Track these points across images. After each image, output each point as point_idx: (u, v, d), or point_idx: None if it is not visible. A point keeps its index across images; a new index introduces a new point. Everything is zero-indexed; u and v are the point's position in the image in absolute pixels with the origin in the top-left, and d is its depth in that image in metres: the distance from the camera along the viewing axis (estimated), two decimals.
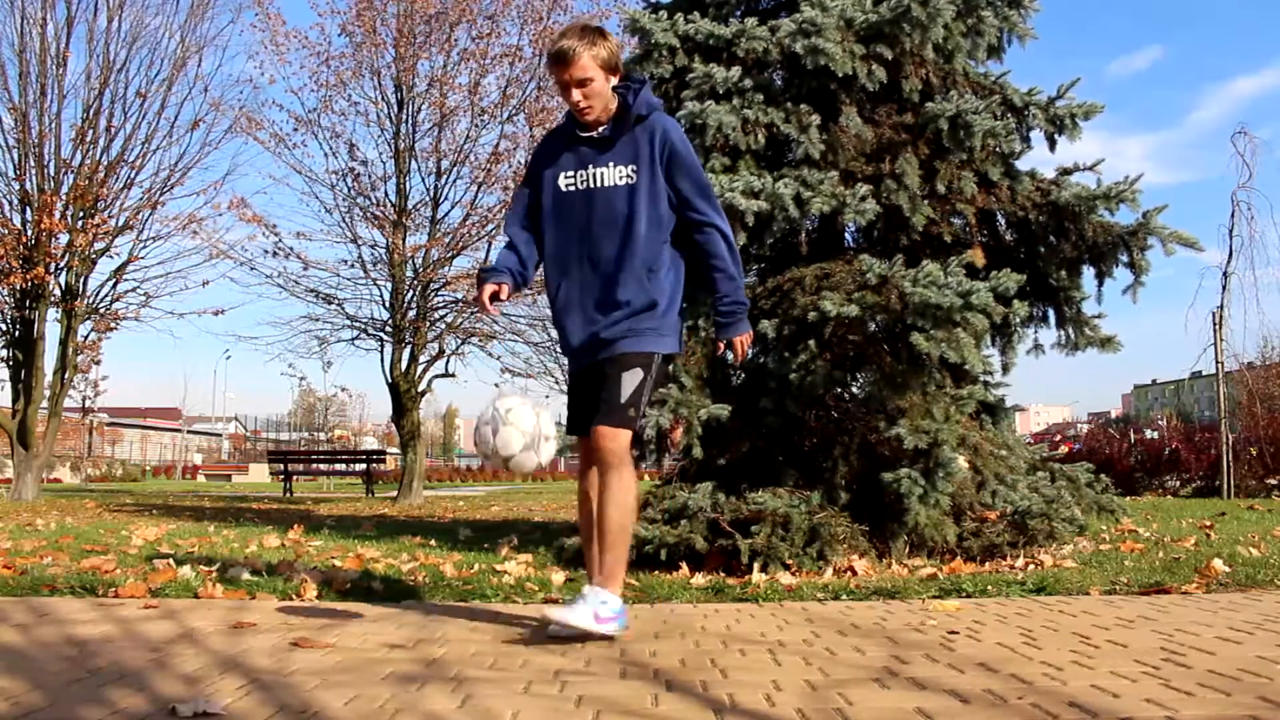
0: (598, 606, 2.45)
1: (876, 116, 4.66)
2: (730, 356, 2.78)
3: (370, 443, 44.46)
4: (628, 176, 2.60)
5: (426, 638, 2.54)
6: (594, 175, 2.63)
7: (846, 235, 4.83)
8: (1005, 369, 4.88)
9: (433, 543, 5.14)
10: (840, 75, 4.31)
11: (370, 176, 12.51)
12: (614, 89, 2.63)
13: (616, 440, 2.55)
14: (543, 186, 2.70)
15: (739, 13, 4.99)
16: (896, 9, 4.26)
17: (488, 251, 12.49)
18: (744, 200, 4.08)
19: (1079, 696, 1.84)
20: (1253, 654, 2.21)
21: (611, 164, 2.61)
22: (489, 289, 2.66)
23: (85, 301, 12.08)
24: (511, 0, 12.04)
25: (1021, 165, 4.85)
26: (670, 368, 4.36)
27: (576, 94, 2.57)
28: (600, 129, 2.64)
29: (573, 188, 2.65)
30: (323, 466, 21.87)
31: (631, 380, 2.57)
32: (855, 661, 2.22)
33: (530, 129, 12.07)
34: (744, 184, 4.13)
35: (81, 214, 11.76)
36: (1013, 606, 3.03)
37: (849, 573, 3.69)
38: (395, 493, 13.47)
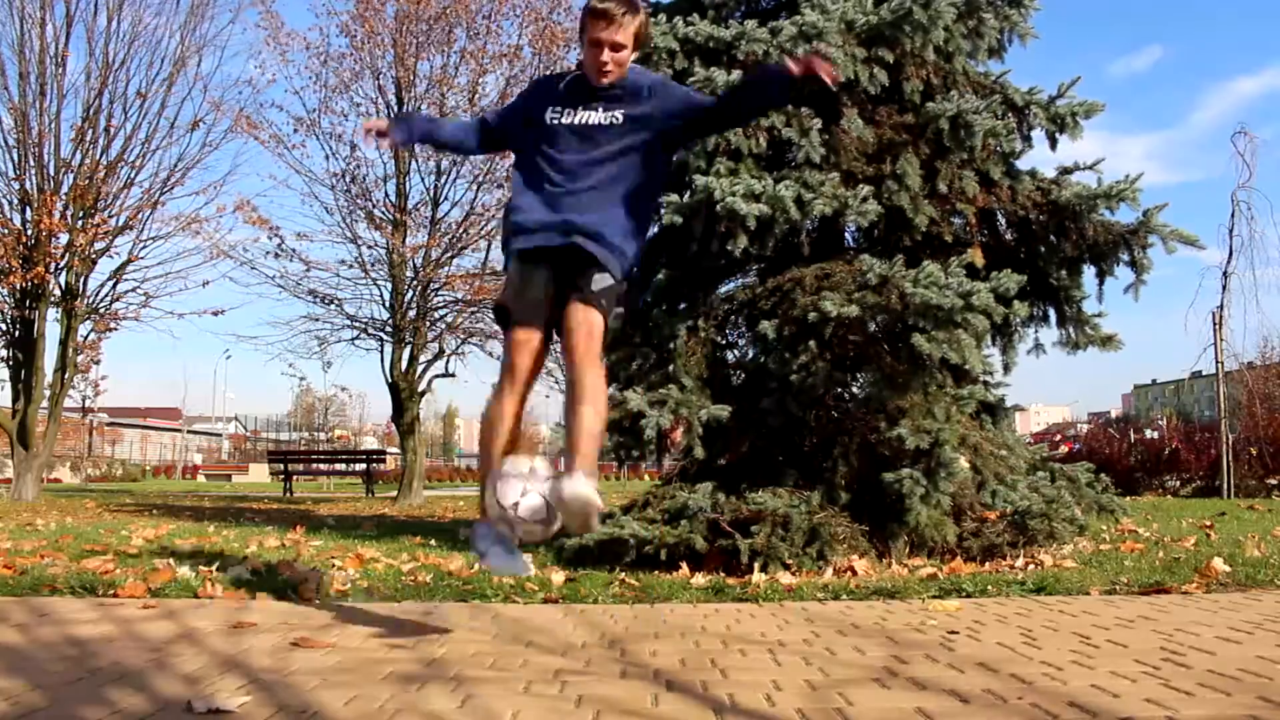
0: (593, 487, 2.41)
1: (877, 117, 4.66)
2: (825, 72, 2.64)
3: (370, 443, 44.47)
4: (613, 119, 2.66)
5: (426, 638, 2.54)
6: (582, 116, 2.68)
7: (847, 235, 4.83)
8: (1006, 369, 4.88)
9: (433, 542, 5.14)
10: (842, 80, 4.31)
11: (370, 177, 12.51)
12: None
13: (598, 324, 2.54)
14: (525, 114, 2.76)
15: (739, 15, 4.99)
16: (897, 11, 4.25)
17: (488, 251, 12.49)
18: (745, 204, 4.07)
19: (1079, 696, 1.84)
20: (1253, 654, 2.21)
21: (601, 109, 2.67)
22: (378, 124, 2.84)
23: (85, 301, 12.08)
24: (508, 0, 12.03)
25: (1022, 165, 4.86)
26: (662, 360, 4.38)
27: (607, 55, 2.60)
28: (608, 86, 2.68)
29: (556, 121, 2.68)
30: (323, 466, 21.88)
31: (602, 281, 2.57)
32: (855, 661, 2.22)
33: None
34: (745, 186, 4.13)
35: (81, 214, 11.75)
36: (1013, 606, 3.03)
37: (849, 573, 3.69)
38: (395, 493, 13.47)
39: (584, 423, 2.49)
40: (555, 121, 2.68)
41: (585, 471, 2.40)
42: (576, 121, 2.67)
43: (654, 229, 5.06)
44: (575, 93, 2.70)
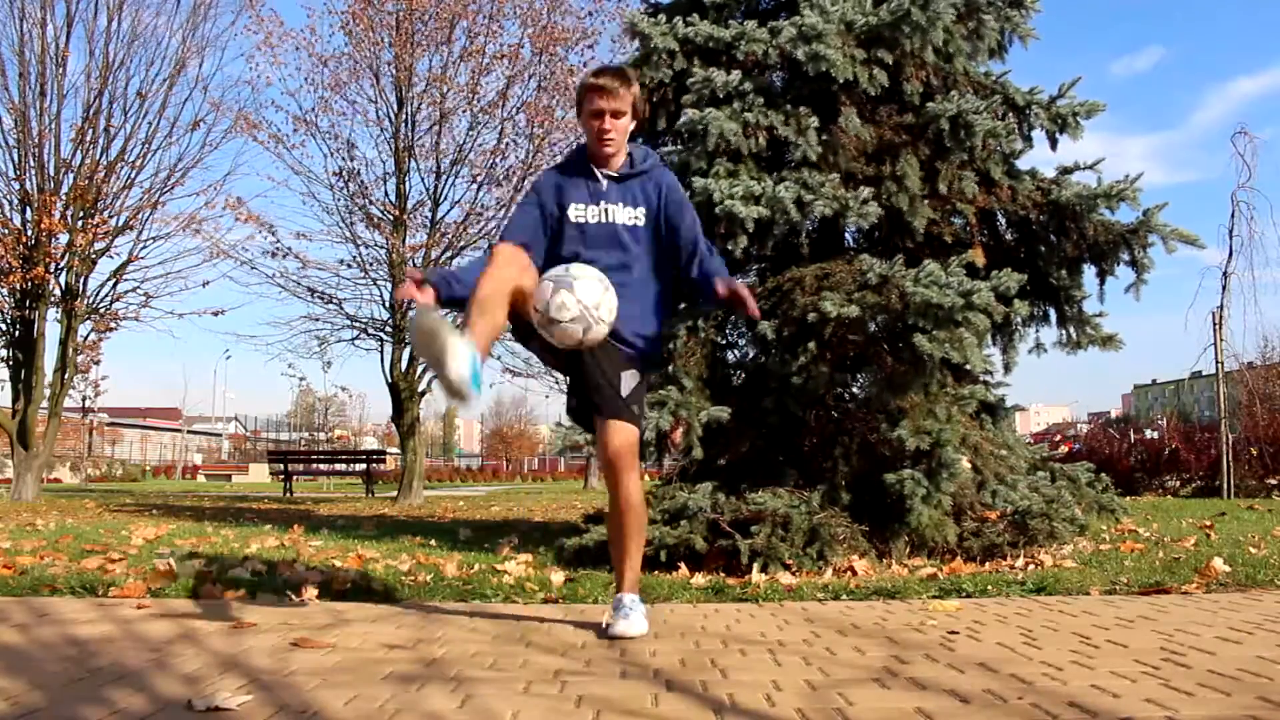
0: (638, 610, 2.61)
1: (877, 117, 4.67)
2: (748, 309, 2.58)
3: (370, 443, 44.48)
4: (636, 218, 2.70)
5: (426, 638, 2.54)
6: (606, 210, 2.70)
7: (847, 235, 4.83)
8: (1007, 368, 4.88)
9: (433, 543, 5.14)
10: (841, 81, 4.31)
11: (370, 176, 12.51)
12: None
13: (627, 436, 2.60)
14: (547, 211, 2.72)
15: (739, 15, 4.99)
16: (896, 12, 4.25)
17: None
18: (744, 207, 4.07)
19: (1079, 696, 1.84)
20: (1253, 654, 2.21)
21: (621, 204, 2.71)
22: (414, 291, 2.54)
23: (85, 301, 12.08)
24: None
25: (1022, 165, 4.86)
26: (664, 365, 4.38)
27: (609, 123, 2.66)
28: (617, 167, 2.73)
29: (583, 219, 2.69)
30: (323, 466, 21.86)
31: (630, 381, 2.62)
32: (855, 661, 2.22)
33: (530, 128, 12.07)
34: (744, 188, 4.13)
35: (81, 214, 11.75)
36: (1013, 606, 3.03)
37: (849, 573, 3.69)
38: (395, 493, 13.47)
39: (628, 541, 2.69)
40: (581, 219, 2.69)
41: (630, 593, 2.66)
42: (605, 220, 2.69)
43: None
44: (590, 181, 2.72)
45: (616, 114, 2.66)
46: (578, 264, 2.57)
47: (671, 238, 2.72)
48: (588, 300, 2.47)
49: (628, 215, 2.70)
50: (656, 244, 2.72)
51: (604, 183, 2.72)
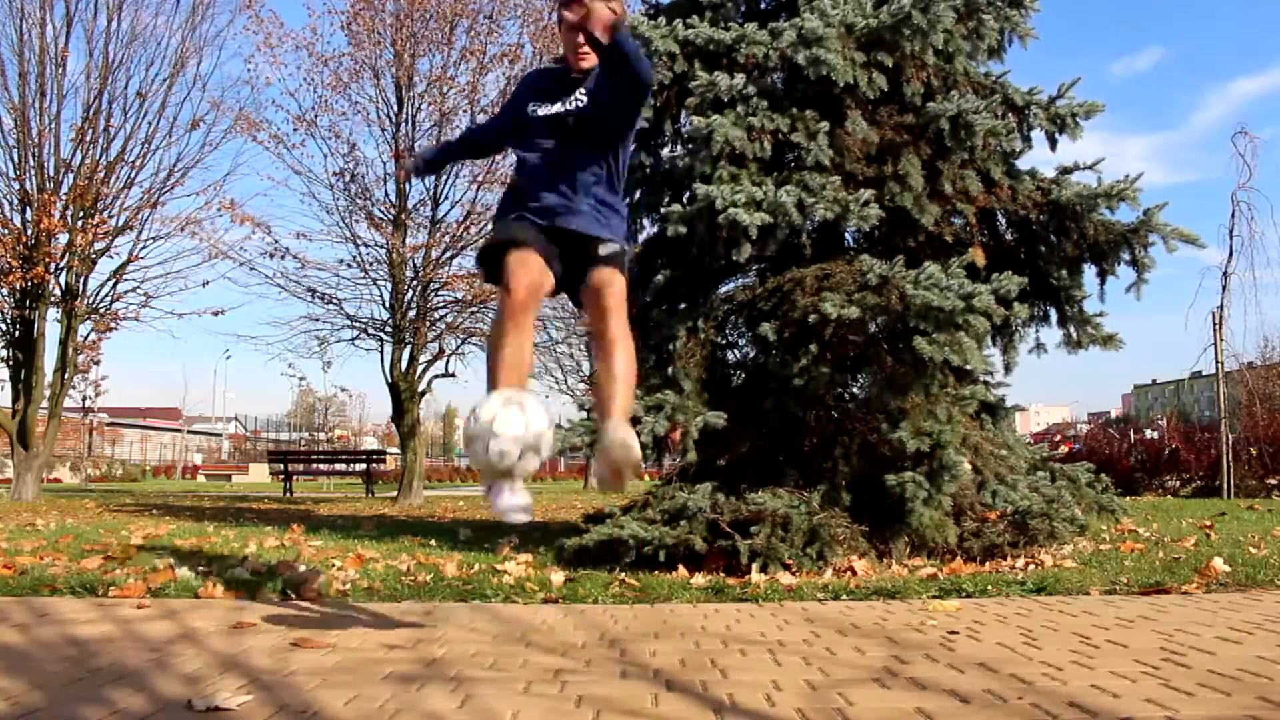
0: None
1: (878, 118, 4.66)
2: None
3: (370, 443, 44.47)
4: (579, 101, 2.75)
5: (426, 638, 2.54)
6: (565, 104, 2.76)
7: (847, 236, 4.83)
8: (1007, 368, 4.88)
9: (433, 543, 5.14)
10: (842, 84, 4.31)
11: (370, 176, 12.51)
12: None
13: (621, 283, 2.63)
14: (520, 110, 2.82)
15: (739, 17, 4.99)
16: (897, 15, 4.25)
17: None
18: (746, 214, 4.07)
19: (1079, 696, 1.84)
20: (1253, 654, 2.21)
21: (580, 91, 2.76)
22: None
23: (85, 301, 12.07)
24: None
25: (1022, 165, 4.86)
26: (663, 365, 4.37)
27: (583, 38, 2.68)
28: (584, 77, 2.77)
29: (537, 114, 2.76)
30: (323, 466, 21.86)
31: (608, 248, 2.65)
32: (855, 661, 2.22)
33: None
34: (746, 194, 4.12)
35: (81, 214, 11.75)
36: (1013, 606, 3.03)
37: (849, 573, 3.69)
38: (395, 493, 13.47)
39: (619, 372, 2.56)
40: (536, 114, 2.77)
41: (624, 419, 2.50)
42: (554, 112, 2.76)
43: (653, 229, 5.07)
44: (557, 86, 2.79)
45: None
46: (483, 406, 2.39)
47: (602, 80, 2.75)
48: (518, 432, 2.33)
49: (578, 100, 2.74)
50: (601, 106, 2.73)
51: (571, 87, 2.76)
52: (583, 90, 2.76)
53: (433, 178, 12.54)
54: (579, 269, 2.66)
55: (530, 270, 2.53)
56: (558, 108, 2.79)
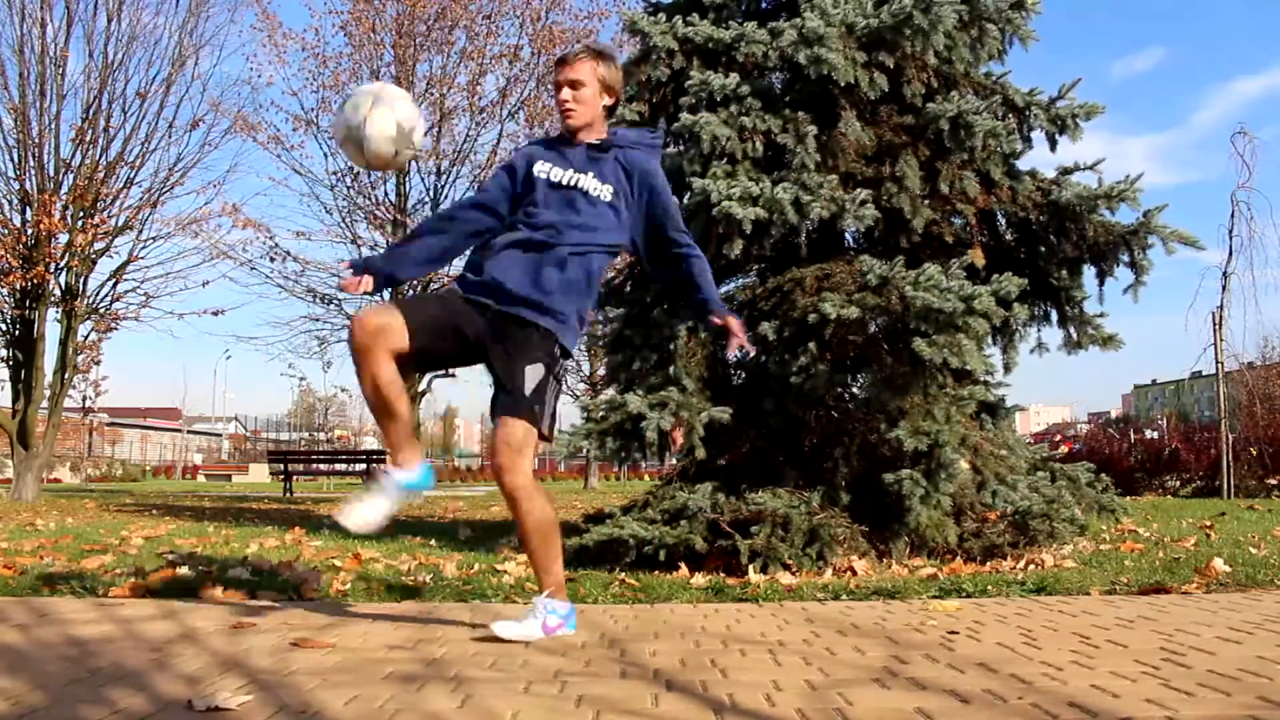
0: (546, 617, 2.52)
1: (878, 118, 4.66)
2: (732, 345, 2.64)
3: (370, 443, 44.42)
4: (600, 191, 2.64)
5: (426, 638, 2.54)
6: (573, 177, 2.65)
7: (847, 236, 4.83)
8: (1007, 369, 4.88)
9: (433, 543, 5.14)
10: (842, 84, 4.31)
11: (370, 176, 12.51)
12: (608, 115, 2.74)
13: (514, 431, 2.46)
14: (517, 175, 2.70)
15: (739, 15, 4.98)
16: (898, 15, 4.25)
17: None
18: (741, 209, 4.07)
19: (1079, 696, 1.84)
20: (1253, 654, 2.21)
21: (590, 174, 2.65)
22: (361, 282, 2.58)
23: (85, 301, 12.07)
24: (508, 0, 12.06)
25: (1022, 165, 4.85)
26: (661, 365, 4.35)
27: (567, 93, 2.64)
28: (588, 142, 2.69)
29: (545, 175, 2.65)
30: (323, 466, 21.86)
31: (534, 375, 2.51)
32: (855, 661, 2.22)
33: (530, 128, 12.08)
34: (742, 189, 4.12)
35: (81, 214, 11.75)
36: (1013, 606, 3.03)
37: (849, 573, 3.69)
38: None
39: (524, 541, 2.57)
40: (545, 176, 2.65)
41: (550, 595, 2.55)
42: (573, 185, 2.64)
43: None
44: (563, 151, 2.69)
45: (574, 84, 2.63)
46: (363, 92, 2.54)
47: (652, 227, 2.69)
48: (405, 122, 2.48)
49: (593, 186, 2.64)
50: (617, 225, 2.66)
51: (578, 151, 2.67)
52: (609, 186, 2.64)
53: (434, 177, 12.56)
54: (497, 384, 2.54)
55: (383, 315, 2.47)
56: (576, 178, 2.64)
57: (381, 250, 2.82)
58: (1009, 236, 4.88)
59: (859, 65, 4.34)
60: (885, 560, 3.92)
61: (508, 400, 2.50)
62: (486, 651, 2.36)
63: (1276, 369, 16.81)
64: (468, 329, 2.56)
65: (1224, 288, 11.16)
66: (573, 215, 2.61)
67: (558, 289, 2.56)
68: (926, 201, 4.52)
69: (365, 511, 2.56)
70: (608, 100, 2.70)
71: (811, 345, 4.10)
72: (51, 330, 12.15)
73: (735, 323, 2.62)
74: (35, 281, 11.44)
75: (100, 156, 11.95)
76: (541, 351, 2.53)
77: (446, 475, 34.21)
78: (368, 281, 2.58)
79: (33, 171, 11.71)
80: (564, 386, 2.69)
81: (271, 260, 12.24)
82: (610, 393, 4.50)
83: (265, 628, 2.67)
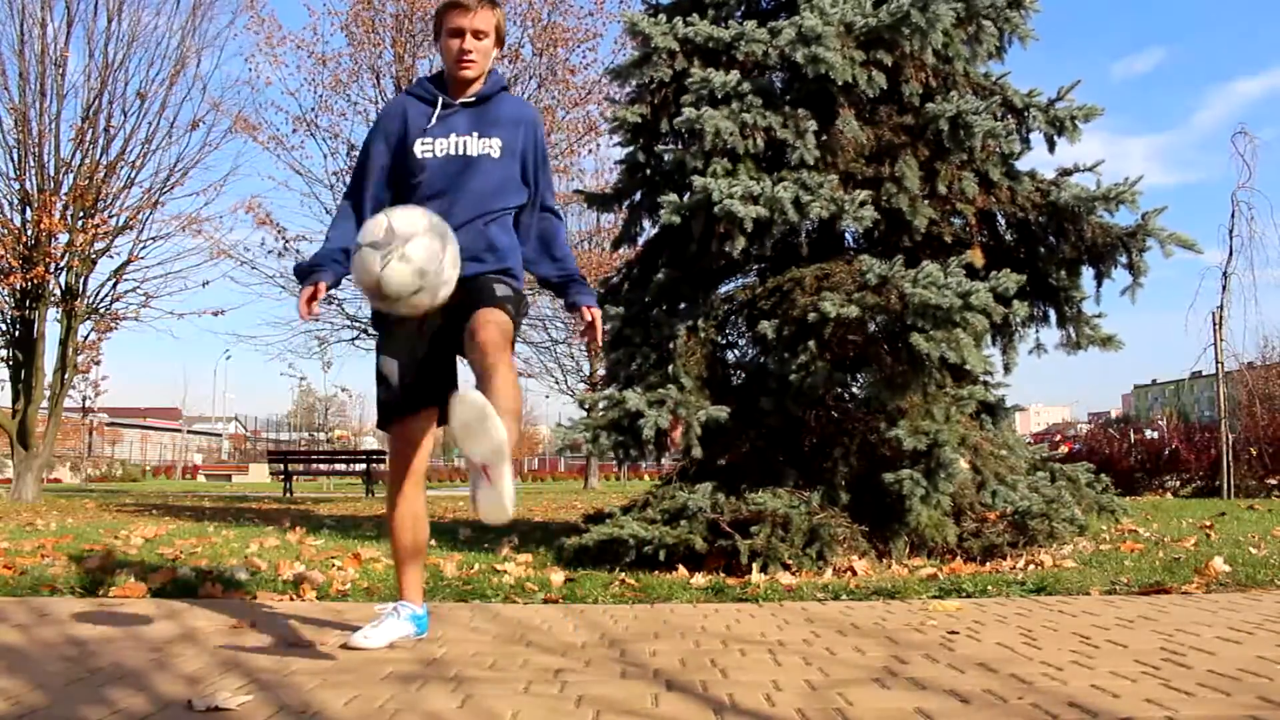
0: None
1: (877, 118, 4.66)
2: (589, 329, 2.51)
3: (370, 443, 44.42)
4: (490, 148, 2.49)
5: (426, 638, 2.54)
6: (457, 143, 2.48)
7: (847, 236, 4.83)
8: (1006, 369, 4.88)
9: (433, 543, 5.13)
10: (840, 83, 4.31)
11: None
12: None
13: (507, 323, 2.29)
14: (391, 146, 2.52)
15: (739, 15, 4.99)
16: (896, 14, 4.25)
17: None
18: (742, 207, 4.07)
19: (1079, 696, 1.84)
20: (1253, 654, 2.21)
21: (476, 134, 2.49)
22: (307, 293, 2.36)
23: (85, 301, 12.07)
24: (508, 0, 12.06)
25: (1022, 166, 4.86)
26: (661, 363, 4.33)
27: (470, 42, 2.46)
28: (472, 94, 2.52)
29: (430, 153, 2.48)
30: (323, 466, 21.85)
31: (504, 289, 2.37)
32: (855, 661, 2.22)
33: None
34: (742, 188, 4.12)
35: (81, 214, 11.75)
36: (1013, 606, 3.03)
37: (849, 573, 3.69)
38: None
39: (500, 401, 2.13)
40: (428, 154, 2.46)
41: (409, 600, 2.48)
42: (455, 153, 2.47)
43: (653, 230, 5.06)
44: (441, 112, 2.50)
45: (478, 34, 2.47)
46: (399, 213, 2.19)
47: (528, 184, 2.55)
48: (427, 264, 2.11)
49: (482, 145, 2.48)
50: (514, 177, 2.52)
51: (457, 109, 2.50)
52: (497, 139, 2.48)
53: None
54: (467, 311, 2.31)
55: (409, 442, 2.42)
56: (463, 144, 2.47)
57: (314, 263, 2.53)
58: (1008, 237, 4.88)
59: (857, 64, 4.34)
60: (885, 560, 3.92)
61: (483, 302, 2.31)
62: (486, 651, 2.36)
63: (1276, 369, 16.81)
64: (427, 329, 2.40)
65: (1224, 288, 11.16)
66: (471, 184, 2.46)
67: (488, 249, 2.43)
68: (926, 202, 4.52)
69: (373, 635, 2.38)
70: (498, 51, 2.58)
71: (811, 344, 4.10)
72: (51, 330, 12.16)
73: (597, 315, 2.50)
74: (35, 281, 11.44)
75: (100, 156, 11.95)
76: (508, 287, 2.40)
77: (446, 475, 34.20)
78: (323, 288, 2.38)
79: (33, 171, 11.71)
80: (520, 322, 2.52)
81: (281, 256, 12.24)
82: (610, 390, 4.50)
83: (265, 628, 2.67)
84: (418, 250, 2.11)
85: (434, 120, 2.50)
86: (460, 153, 2.48)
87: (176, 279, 12.87)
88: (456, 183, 2.46)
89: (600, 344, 2.51)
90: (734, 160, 4.41)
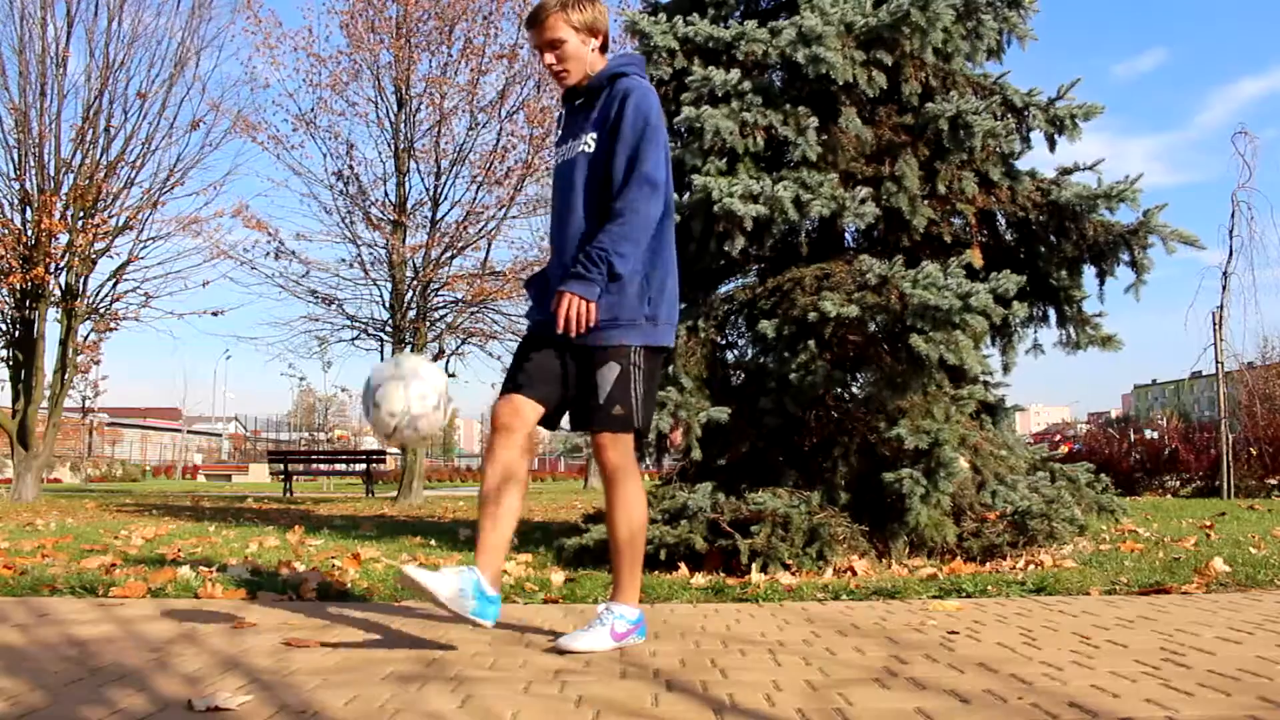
0: (615, 623, 2.40)
1: (877, 117, 4.66)
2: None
3: (370, 443, 44.45)
4: (585, 145, 2.41)
5: (427, 638, 2.54)
6: (571, 147, 2.46)
7: (847, 235, 4.83)
8: (1006, 369, 4.88)
9: (433, 543, 5.14)
10: (841, 82, 4.31)
11: (370, 177, 12.52)
12: (602, 53, 2.51)
13: (615, 447, 2.40)
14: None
15: (738, 14, 4.99)
16: (896, 13, 4.25)
17: (488, 251, 12.54)
18: (742, 205, 4.07)
19: (1079, 696, 1.84)
20: (1253, 654, 2.21)
21: (582, 134, 2.44)
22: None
23: (85, 301, 12.08)
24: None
25: (1021, 165, 4.86)
26: (664, 364, 4.31)
27: (549, 56, 2.45)
28: (577, 100, 2.50)
29: (556, 160, 2.52)
30: (323, 466, 21.87)
31: (609, 375, 2.36)
32: (855, 661, 2.22)
33: (530, 128, 12.08)
34: (743, 187, 4.12)
35: (81, 214, 11.75)
36: (1013, 606, 3.03)
37: (849, 573, 3.69)
38: (395, 493, 13.47)
39: (615, 538, 2.46)
40: (556, 161, 2.49)
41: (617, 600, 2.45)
42: (563, 159, 2.45)
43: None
44: (568, 118, 2.53)
45: (553, 44, 2.44)
46: (377, 366, 2.46)
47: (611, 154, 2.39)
48: (393, 406, 2.34)
49: (580, 145, 2.42)
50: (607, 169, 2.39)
51: (576, 117, 2.48)
52: (592, 133, 2.41)
53: (433, 178, 12.56)
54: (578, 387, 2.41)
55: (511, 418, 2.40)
56: (570, 151, 2.45)
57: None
58: (1008, 236, 4.88)
59: (857, 64, 4.34)
60: (885, 560, 3.92)
61: (592, 413, 2.40)
62: (486, 651, 2.36)
63: (1276, 369, 16.78)
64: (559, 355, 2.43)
65: (1224, 288, 11.17)
66: (565, 195, 2.43)
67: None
68: (926, 201, 4.52)
69: (430, 578, 2.31)
70: (595, 42, 2.48)
71: (811, 344, 4.10)
72: (51, 330, 12.17)
73: (565, 299, 2.33)
74: (35, 281, 11.45)
75: (101, 156, 11.96)
76: (610, 358, 2.38)
77: (446, 475, 34.19)
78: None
79: (33, 171, 11.72)
80: (656, 376, 2.51)
81: (276, 258, 12.24)
82: None
83: (265, 628, 2.67)
84: (384, 397, 2.36)
85: (565, 129, 2.54)
86: (568, 158, 2.49)
87: (176, 279, 12.89)
88: (560, 194, 2.48)
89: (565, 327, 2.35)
90: (734, 159, 4.41)
